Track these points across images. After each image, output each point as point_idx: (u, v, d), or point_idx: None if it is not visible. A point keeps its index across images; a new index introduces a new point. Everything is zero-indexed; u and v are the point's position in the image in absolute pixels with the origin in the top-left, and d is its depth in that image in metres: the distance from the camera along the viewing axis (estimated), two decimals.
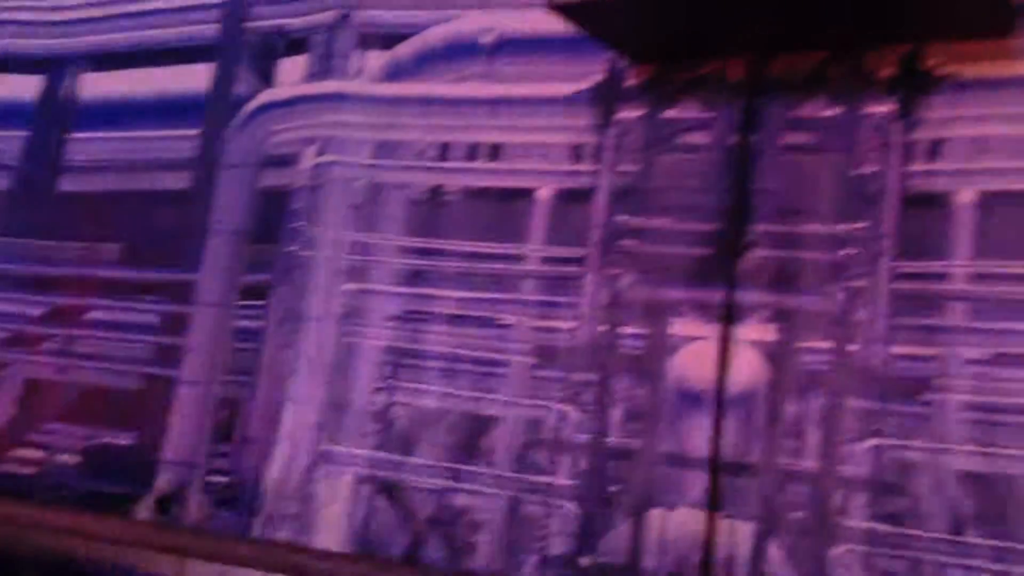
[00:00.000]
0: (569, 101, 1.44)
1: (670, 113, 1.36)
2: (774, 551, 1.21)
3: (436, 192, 1.52)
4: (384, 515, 1.45)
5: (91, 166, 1.82)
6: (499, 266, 1.45)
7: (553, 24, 1.26)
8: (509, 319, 1.44)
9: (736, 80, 1.32)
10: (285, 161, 1.66)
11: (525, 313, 1.43)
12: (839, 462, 1.19)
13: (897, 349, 1.18)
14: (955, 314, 1.16)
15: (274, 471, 1.55)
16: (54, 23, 1.89)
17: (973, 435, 1.13)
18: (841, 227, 1.23)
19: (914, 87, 1.21)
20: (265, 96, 1.71)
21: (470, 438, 1.43)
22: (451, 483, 1.42)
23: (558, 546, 1.33)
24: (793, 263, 1.26)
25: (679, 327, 1.32)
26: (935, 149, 1.19)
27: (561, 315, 1.40)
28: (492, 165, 1.49)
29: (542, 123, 1.46)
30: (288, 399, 1.57)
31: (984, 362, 1.14)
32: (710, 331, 1.28)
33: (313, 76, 1.66)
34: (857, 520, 1.17)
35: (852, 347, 1.21)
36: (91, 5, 1.87)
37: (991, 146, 1.16)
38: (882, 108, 1.23)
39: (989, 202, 1.16)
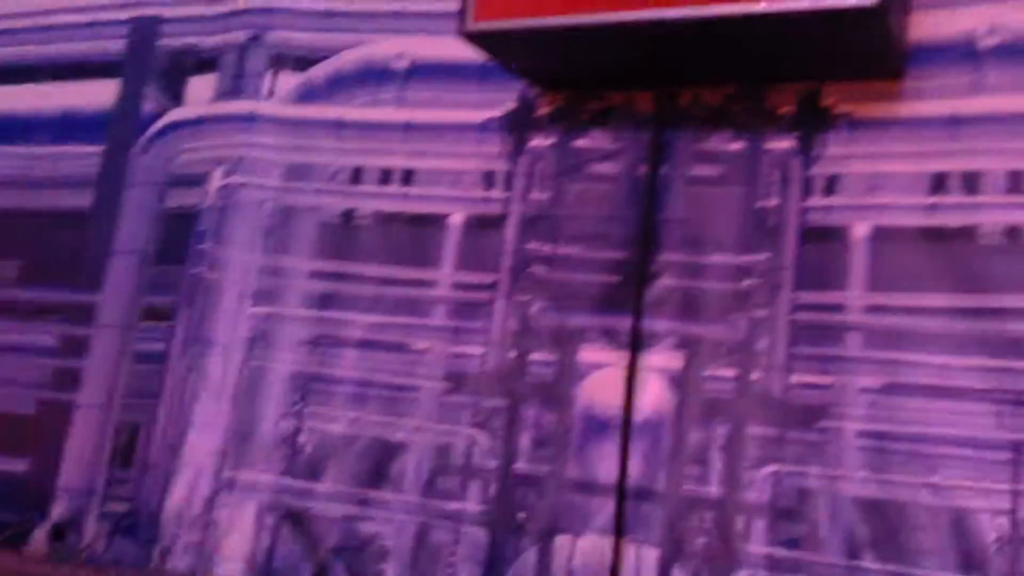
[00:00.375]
0: (481, 128, 1.45)
1: (580, 142, 1.38)
2: None
3: (348, 216, 1.51)
4: (289, 544, 1.43)
5: None
6: (410, 291, 1.45)
7: (466, 52, 1.27)
8: (420, 344, 1.43)
9: (645, 112, 1.35)
10: (192, 181, 1.63)
11: (436, 339, 1.42)
12: (741, 488, 1.22)
13: (796, 378, 1.21)
14: (851, 344, 1.20)
15: (175, 499, 1.51)
16: None
17: (867, 462, 1.16)
18: (744, 258, 1.26)
19: (812, 124, 1.25)
20: (173, 115, 1.68)
21: (379, 464, 1.42)
22: (359, 510, 1.41)
23: (466, 573, 1.33)
24: (698, 292, 1.28)
25: (587, 354, 1.33)
26: (832, 184, 1.23)
27: (471, 341, 1.40)
28: (404, 190, 1.48)
29: (454, 149, 1.46)
30: (191, 425, 1.53)
31: (877, 391, 1.17)
32: (618, 358, 1.31)
33: (223, 96, 1.64)
34: (758, 545, 1.19)
35: (754, 375, 1.23)
36: None
37: (884, 183, 1.20)
38: (783, 143, 1.26)
39: (882, 236, 1.20)
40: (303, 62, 1.59)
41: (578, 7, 1.17)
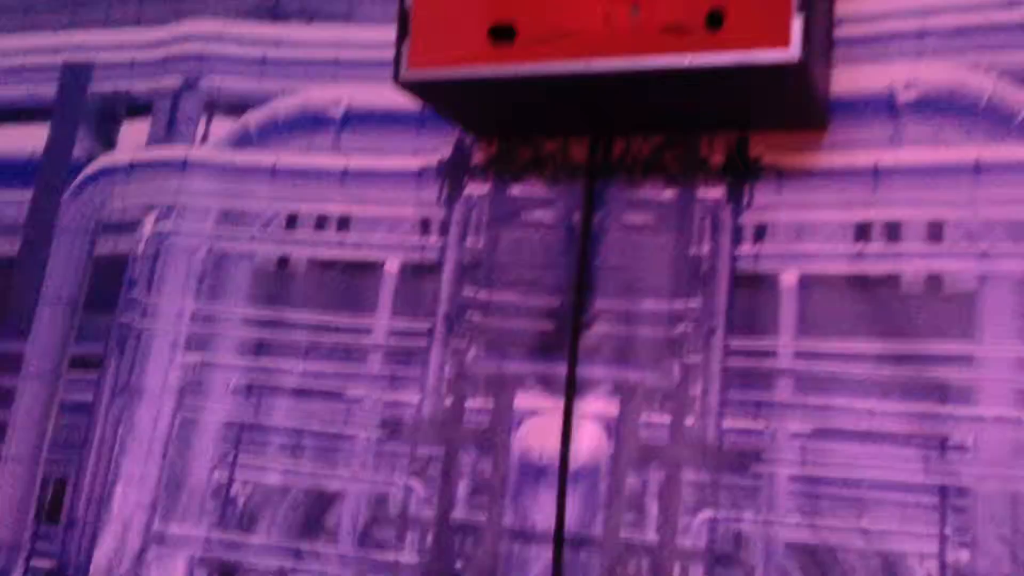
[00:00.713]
0: (417, 175, 1.45)
1: (515, 190, 1.40)
2: None
3: (282, 263, 1.50)
4: None
5: None
6: (345, 338, 1.44)
7: (402, 99, 1.28)
8: (355, 392, 1.42)
9: (578, 160, 1.37)
10: (123, 228, 1.60)
11: (371, 386, 1.41)
12: (678, 534, 1.22)
13: (729, 423, 1.23)
14: (781, 389, 1.21)
15: (103, 553, 1.47)
16: None
17: (800, 507, 1.18)
18: (677, 304, 1.28)
19: (741, 174, 1.27)
20: (104, 160, 1.65)
21: (313, 515, 1.40)
22: (293, 563, 1.38)
23: None
24: (632, 338, 1.29)
25: (523, 400, 1.33)
26: (761, 232, 1.26)
27: (407, 388, 1.39)
28: (340, 237, 1.48)
29: (390, 196, 1.46)
30: (120, 477, 1.50)
31: (808, 436, 1.19)
32: (553, 404, 1.31)
33: (156, 141, 1.62)
34: None
35: (688, 421, 1.24)
36: None
37: (810, 231, 1.23)
38: (713, 192, 1.29)
39: (810, 283, 1.22)
40: (238, 108, 1.58)
41: (510, 58, 1.18)
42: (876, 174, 1.21)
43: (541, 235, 1.37)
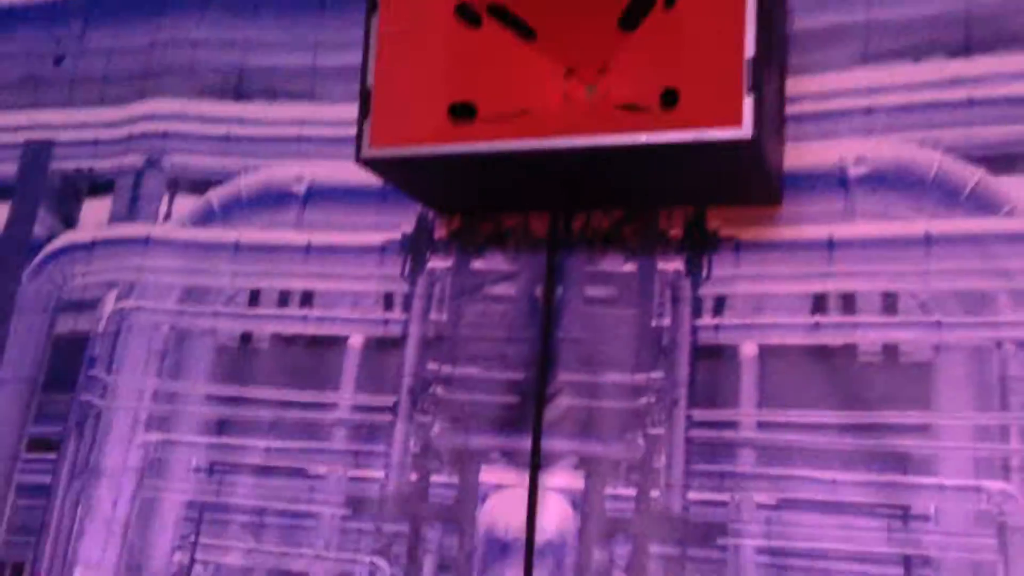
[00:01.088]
0: (381, 250, 1.46)
1: (478, 264, 1.41)
2: None
3: (245, 339, 1.50)
4: None
5: None
6: (309, 415, 1.43)
7: (365, 175, 1.29)
8: (319, 469, 1.41)
9: (539, 234, 1.38)
10: (84, 306, 1.59)
11: (335, 463, 1.40)
12: None
13: (694, 495, 1.23)
14: (745, 461, 1.22)
15: None
16: None
17: None
18: (639, 376, 1.28)
19: (699, 247, 1.29)
20: (65, 238, 1.65)
21: None
22: None
23: None
24: (596, 411, 1.30)
25: (488, 475, 1.33)
26: (720, 304, 1.27)
27: (372, 464, 1.38)
28: (303, 312, 1.48)
29: (354, 271, 1.47)
30: (78, 562, 1.46)
31: (773, 507, 1.19)
32: (519, 479, 1.30)
33: (118, 219, 1.62)
34: None
35: (654, 493, 1.24)
36: None
37: (768, 303, 1.25)
38: (673, 265, 1.31)
39: (769, 354, 1.23)
40: (201, 185, 1.58)
41: (470, 135, 1.20)
42: (830, 246, 1.23)
43: (504, 309, 1.38)
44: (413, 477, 1.35)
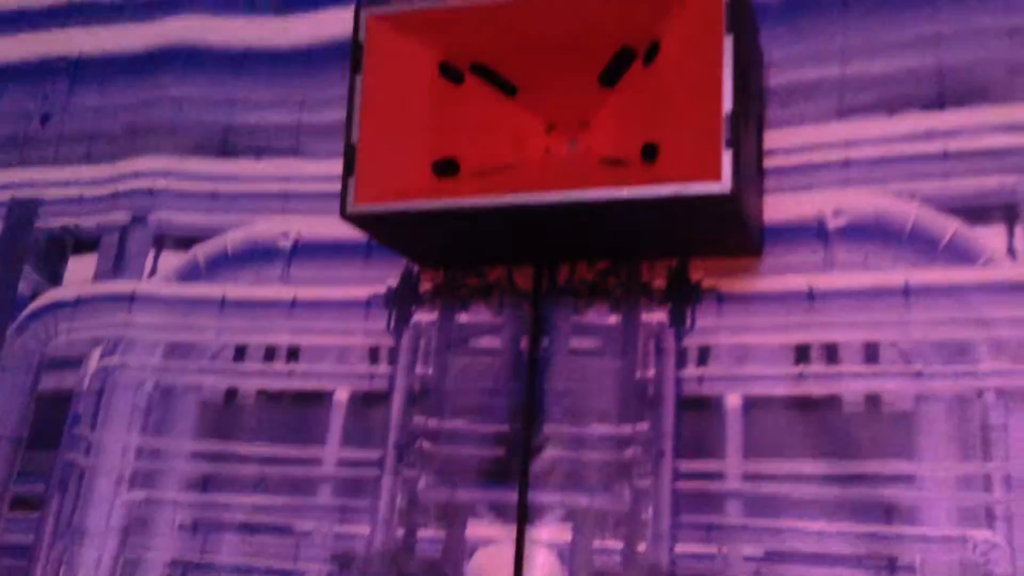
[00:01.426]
0: (365, 304, 1.46)
1: (463, 317, 1.41)
2: None
3: (230, 395, 1.49)
4: None
5: None
6: (295, 470, 1.42)
7: (349, 230, 1.29)
8: (305, 526, 1.39)
9: (524, 287, 1.39)
10: (69, 363, 1.59)
11: (321, 519, 1.39)
12: None
13: (681, 547, 1.22)
14: (732, 512, 1.22)
15: None
16: None
17: None
18: (625, 428, 1.29)
19: (682, 298, 1.30)
20: (50, 295, 1.65)
21: None
22: None
23: None
24: (583, 463, 1.29)
25: (475, 529, 1.32)
26: (704, 355, 1.28)
27: (358, 520, 1.37)
28: (289, 367, 1.47)
29: (339, 325, 1.47)
30: None
31: (760, 559, 1.19)
32: (506, 532, 1.29)
33: (103, 276, 1.62)
34: None
35: (640, 546, 1.24)
36: None
37: (751, 353, 1.26)
38: (657, 316, 1.31)
39: (754, 405, 1.24)
40: (187, 242, 1.59)
41: (454, 191, 1.22)
42: (811, 297, 1.24)
43: (489, 361, 1.38)
44: (400, 532, 1.34)
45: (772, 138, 1.30)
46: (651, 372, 1.30)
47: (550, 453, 1.31)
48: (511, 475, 1.31)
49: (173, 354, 1.54)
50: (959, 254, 1.20)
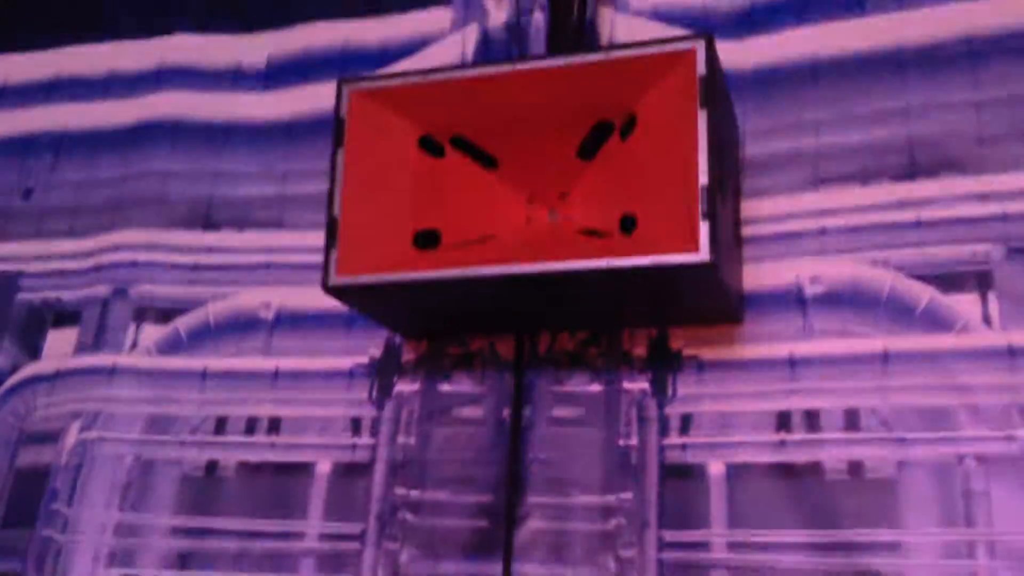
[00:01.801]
0: (348, 375, 1.46)
1: (445, 387, 1.41)
2: None
3: (211, 468, 1.48)
4: None
5: None
6: (276, 544, 1.40)
7: (332, 301, 1.30)
8: None
9: (506, 356, 1.39)
10: (47, 438, 1.57)
11: None
12: None
13: None
14: None
15: None
16: None
17: None
18: (609, 497, 1.28)
19: (664, 366, 1.31)
20: (29, 369, 1.63)
21: None
22: None
23: None
24: (566, 534, 1.28)
25: None
26: (686, 424, 1.28)
27: None
28: (270, 439, 1.46)
29: (321, 396, 1.46)
30: None
31: None
32: None
33: (83, 349, 1.62)
34: None
35: None
36: None
37: (733, 421, 1.26)
38: (638, 384, 1.32)
39: (737, 474, 1.24)
40: (168, 314, 1.59)
41: (435, 263, 1.23)
42: (791, 365, 1.25)
43: (472, 431, 1.37)
44: None
45: (749, 207, 1.33)
46: (634, 441, 1.29)
47: (534, 524, 1.30)
48: (495, 547, 1.30)
49: (153, 427, 1.53)
50: (935, 321, 1.22)
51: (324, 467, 1.43)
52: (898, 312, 1.23)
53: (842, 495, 1.18)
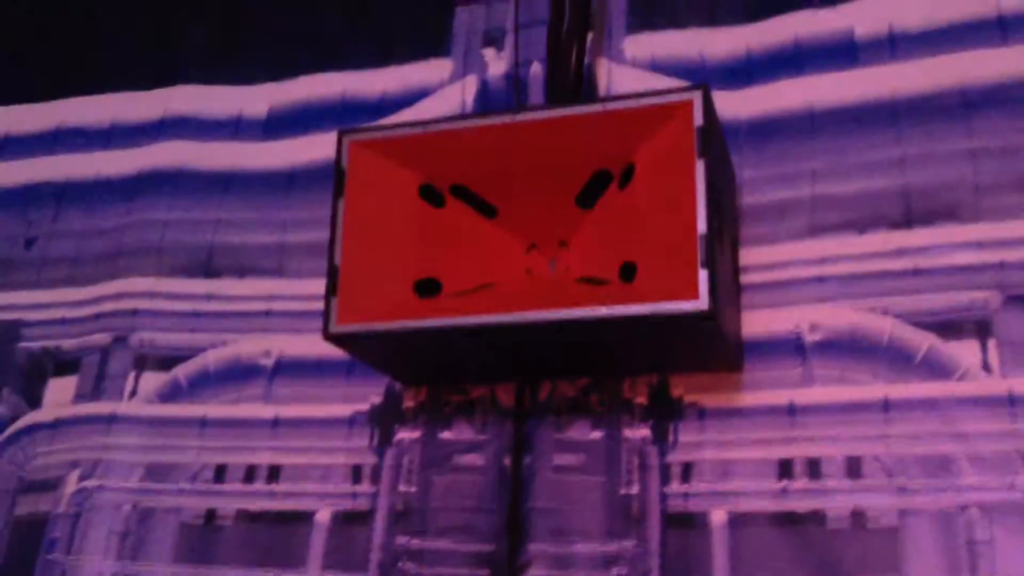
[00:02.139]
0: (348, 422, 1.46)
1: (446, 435, 1.41)
2: None
3: (210, 516, 1.47)
4: None
5: None
6: None
7: (332, 348, 1.30)
8: None
9: (506, 404, 1.39)
10: (46, 486, 1.56)
11: None
12: None
13: None
14: None
15: None
16: None
17: None
18: (611, 546, 1.27)
19: (664, 414, 1.31)
20: (28, 418, 1.63)
21: None
22: None
23: None
24: None
25: None
26: (687, 471, 1.28)
27: None
28: (270, 487, 1.46)
29: (321, 444, 1.46)
30: None
31: None
32: None
33: (83, 397, 1.61)
34: None
35: None
36: None
37: (735, 469, 1.25)
38: (639, 432, 1.32)
39: (739, 522, 1.23)
40: (168, 362, 1.59)
41: (436, 311, 1.23)
42: (792, 412, 1.25)
43: (473, 479, 1.37)
44: None
45: (747, 255, 1.33)
46: (635, 489, 1.29)
47: (536, 573, 1.29)
48: None
49: (152, 476, 1.52)
50: (935, 369, 1.22)
51: (324, 516, 1.42)
52: (898, 359, 1.23)
53: (845, 544, 1.18)
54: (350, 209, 1.27)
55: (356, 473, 1.42)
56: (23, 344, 1.70)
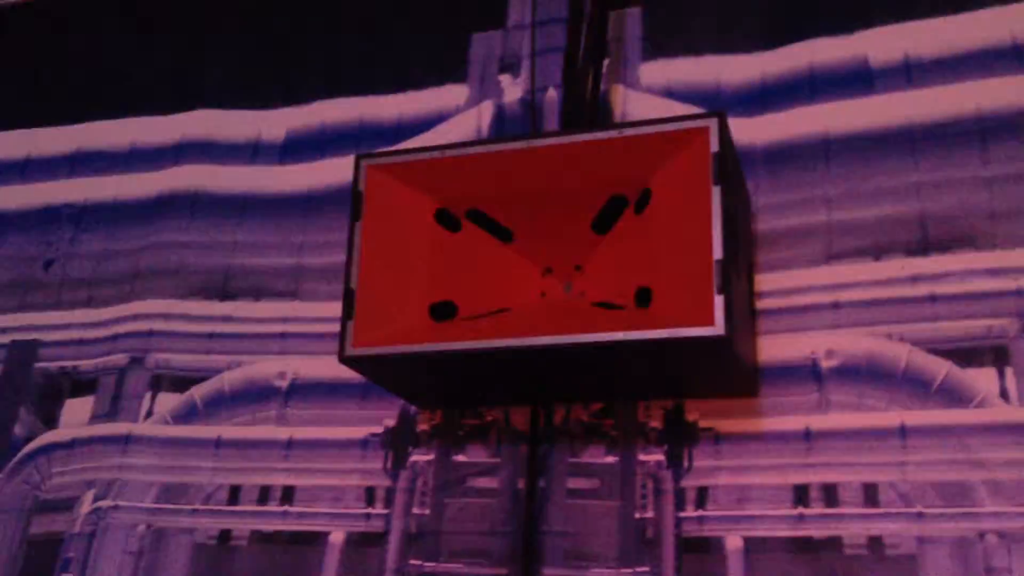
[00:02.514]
0: (362, 444, 1.46)
1: (460, 457, 1.41)
2: None
3: (223, 537, 1.47)
4: None
5: None
6: None
7: (347, 370, 1.30)
8: None
9: (520, 427, 1.39)
10: (61, 506, 1.57)
11: None
12: None
13: None
14: None
15: None
16: None
17: None
18: (625, 570, 1.27)
19: (679, 438, 1.31)
20: (45, 438, 1.64)
21: None
22: None
23: None
24: None
25: None
26: (702, 496, 1.27)
27: None
28: (283, 508, 1.46)
29: (335, 466, 1.46)
30: None
31: None
32: None
33: (100, 417, 1.62)
34: None
35: None
36: None
37: (750, 494, 1.25)
38: (654, 456, 1.31)
39: (754, 547, 1.22)
40: (184, 383, 1.59)
41: (451, 335, 1.23)
42: (808, 437, 1.25)
43: (487, 502, 1.37)
44: None
45: (763, 281, 1.33)
46: (650, 513, 1.29)
47: None
48: None
49: (167, 496, 1.52)
50: (953, 395, 1.22)
51: (338, 537, 1.42)
52: (915, 386, 1.23)
53: (862, 571, 1.17)
54: (367, 233, 1.27)
55: (370, 495, 1.43)
56: (40, 364, 1.71)
